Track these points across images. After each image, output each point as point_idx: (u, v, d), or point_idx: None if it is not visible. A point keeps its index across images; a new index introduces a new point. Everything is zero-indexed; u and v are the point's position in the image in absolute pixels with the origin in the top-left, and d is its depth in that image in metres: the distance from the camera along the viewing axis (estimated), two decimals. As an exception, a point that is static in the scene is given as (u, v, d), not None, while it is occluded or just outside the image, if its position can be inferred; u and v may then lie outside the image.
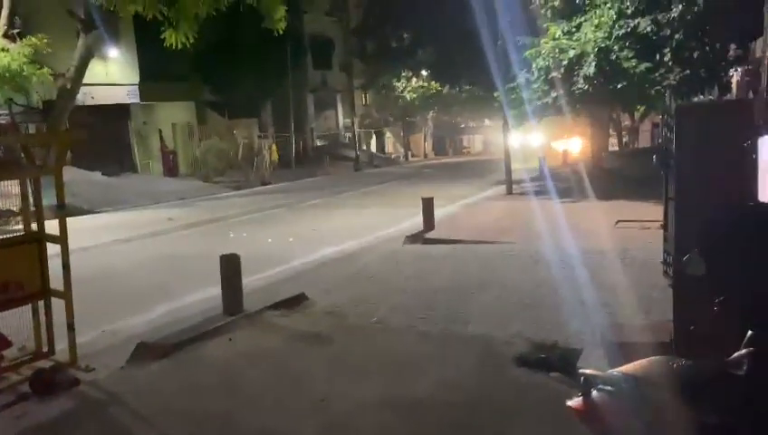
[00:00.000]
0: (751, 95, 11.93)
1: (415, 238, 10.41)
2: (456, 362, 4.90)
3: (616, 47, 13.67)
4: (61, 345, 5.12)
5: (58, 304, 5.05)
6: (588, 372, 1.87)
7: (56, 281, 5.04)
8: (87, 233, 11.81)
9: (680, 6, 12.85)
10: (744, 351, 1.92)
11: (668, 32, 13.15)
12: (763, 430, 1.85)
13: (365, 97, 41.68)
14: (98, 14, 15.93)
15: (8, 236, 5.09)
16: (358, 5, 35.96)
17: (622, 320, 5.50)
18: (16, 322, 4.92)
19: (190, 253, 10.48)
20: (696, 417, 1.73)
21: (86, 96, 19.78)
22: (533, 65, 14.86)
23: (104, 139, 20.39)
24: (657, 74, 13.56)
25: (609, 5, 13.84)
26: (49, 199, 5.08)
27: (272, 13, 13.79)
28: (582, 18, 14.62)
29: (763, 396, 1.83)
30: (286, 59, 29.45)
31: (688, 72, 13.18)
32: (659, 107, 17.09)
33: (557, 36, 14.57)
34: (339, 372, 4.83)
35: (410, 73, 39.12)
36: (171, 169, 25.91)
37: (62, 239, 5.01)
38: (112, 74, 22.94)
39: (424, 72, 39.51)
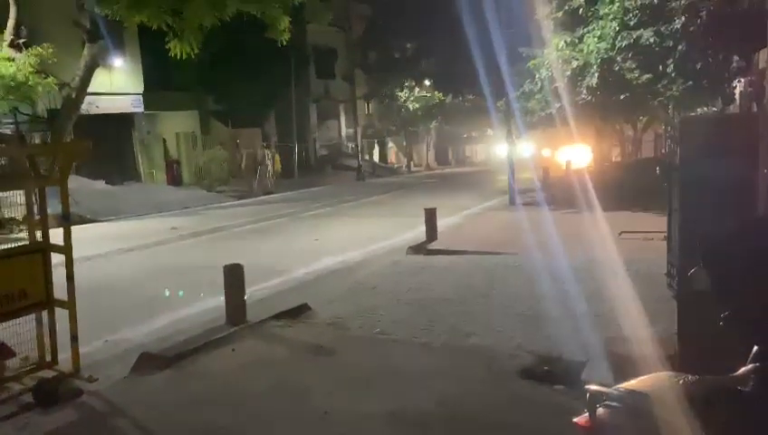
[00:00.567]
0: (754, 107, 11.92)
1: (418, 249, 10.40)
2: (460, 375, 4.88)
3: (619, 58, 13.71)
4: (63, 355, 5.12)
5: (61, 314, 5.05)
6: (593, 388, 1.86)
7: (60, 290, 5.04)
8: (90, 242, 11.81)
9: (683, 18, 12.87)
10: (750, 366, 1.90)
11: (671, 43, 13.17)
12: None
13: (368, 107, 41.80)
14: (103, 24, 16.02)
15: (13, 245, 5.11)
16: (361, 16, 36.20)
17: (626, 332, 5.48)
18: (20, 331, 4.91)
19: (193, 262, 10.48)
20: (703, 433, 1.72)
21: (91, 105, 19.83)
22: (537, 76, 14.92)
23: (108, 148, 20.45)
24: (659, 85, 13.59)
25: (611, 17, 13.87)
26: (53, 208, 5.09)
27: (276, 23, 13.93)
28: (585, 29, 14.68)
29: (769, 412, 1.83)
30: (290, 69, 29.61)
31: (691, 83, 13.19)
32: (662, 118, 17.11)
33: (560, 47, 14.62)
34: (341, 384, 4.81)
35: (413, 83, 39.36)
36: (175, 179, 25.94)
37: (66, 250, 5.01)
38: (117, 84, 23.04)
39: (427, 82, 39.79)
